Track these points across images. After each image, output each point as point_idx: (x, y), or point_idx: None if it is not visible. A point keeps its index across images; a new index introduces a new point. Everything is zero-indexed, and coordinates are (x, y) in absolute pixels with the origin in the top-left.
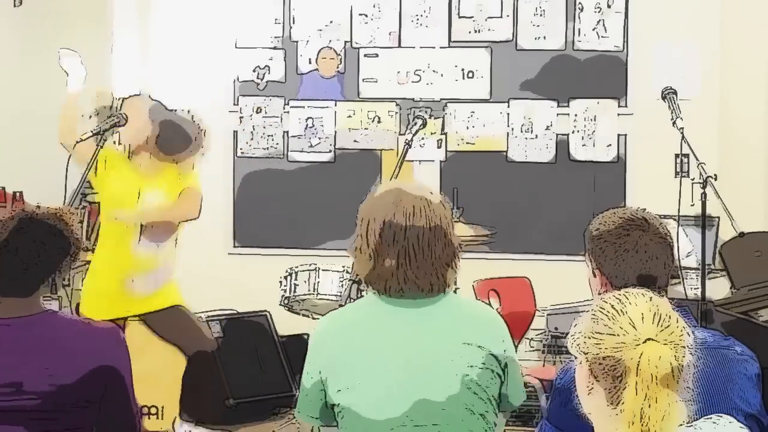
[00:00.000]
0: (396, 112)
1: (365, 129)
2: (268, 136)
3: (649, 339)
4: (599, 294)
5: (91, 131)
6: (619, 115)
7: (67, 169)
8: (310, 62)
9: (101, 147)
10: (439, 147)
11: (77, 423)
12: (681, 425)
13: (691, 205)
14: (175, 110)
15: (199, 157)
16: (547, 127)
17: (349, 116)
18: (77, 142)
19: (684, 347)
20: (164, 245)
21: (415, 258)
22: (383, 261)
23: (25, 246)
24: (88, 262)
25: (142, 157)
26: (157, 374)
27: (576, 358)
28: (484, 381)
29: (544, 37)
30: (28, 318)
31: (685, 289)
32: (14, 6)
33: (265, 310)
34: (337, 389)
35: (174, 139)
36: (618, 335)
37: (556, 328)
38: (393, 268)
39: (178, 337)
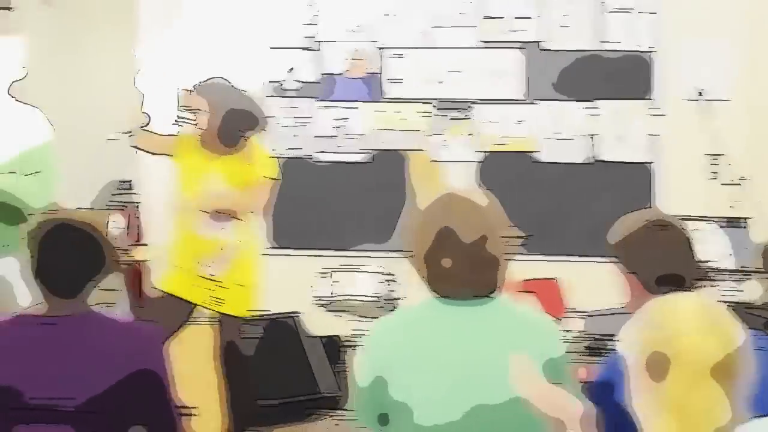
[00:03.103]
0: (425, 113)
1: (394, 130)
2: (298, 136)
3: (696, 329)
4: (632, 297)
5: (119, 132)
6: (648, 115)
7: (97, 170)
8: (339, 63)
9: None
10: (469, 148)
11: (114, 424)
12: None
13: (727, 207)
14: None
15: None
16: (577, 127)
17: (378, 117)
18: (108, 140)
19: (732, 342)
20: (229, 224)
21: (470, 260)
22: (439, 264)
23: (65, 251)
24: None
25: (208, 144)
26: (189, 374)
27: (624, 357)
28: None
29: (574, 38)
30: (68, 318)
31: (718, 292)
32: (43, 7)
33: (297, 312)
34: (392, 388)
35: (234, 127)
36: (666, 328)
37: (592, 330)
38: (449, 271)
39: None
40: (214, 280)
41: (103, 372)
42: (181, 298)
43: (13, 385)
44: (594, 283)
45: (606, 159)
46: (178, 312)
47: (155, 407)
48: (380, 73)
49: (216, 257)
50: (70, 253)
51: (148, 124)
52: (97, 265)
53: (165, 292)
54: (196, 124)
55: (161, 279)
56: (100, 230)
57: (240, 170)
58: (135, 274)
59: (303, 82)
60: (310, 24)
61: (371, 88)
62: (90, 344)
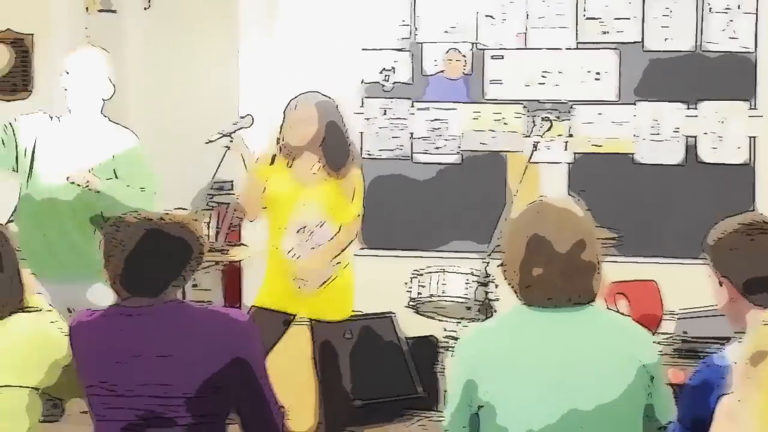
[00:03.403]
0: (522, 114)
1: (491, 131)
2: (394, 137)
3: None
4: (727, 301)
5: (219, 133)
6: (749, 117)
7: (199, 170)
8: (436, 64)
9: (229, 149)
10: (566, 149)
11: (206, 411)
12: None
13: None
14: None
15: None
16: (676, 129)
17: (475, 118)
18: (207, 142)
19: None
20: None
21: (562, 268)
22: (531, 272)
23: (152, 256)
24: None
25: (304, 161)
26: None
27: (734, 363)
28: (634, 391)
29: (672, 39)
30: (151, 308)
31: None
32: (144, 9)
33: (391, 312)
34: (484, 391)
35: (339, 150)
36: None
37: (685, 332)
38: (541, 279)
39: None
40: (308, 292)
41: (187, 360)
42: (277, 310)
43: (109, 376)
44: (689, 285)
45: (706, 161)
46: (274, 325)
47: (250, 395)
48: (473, 74)
49: (308, 275)
50: (157, 257)
51: (251, 125)
52: (182, 267)
53: (259, 307)
54: (300, 135)
55: (257, 297)
56: (189, 231)
57: (338, 202)
58: (232, 274)
59: (400, 83)
60: (407, 25)
61: (469, 89)
62: (171, 333)
